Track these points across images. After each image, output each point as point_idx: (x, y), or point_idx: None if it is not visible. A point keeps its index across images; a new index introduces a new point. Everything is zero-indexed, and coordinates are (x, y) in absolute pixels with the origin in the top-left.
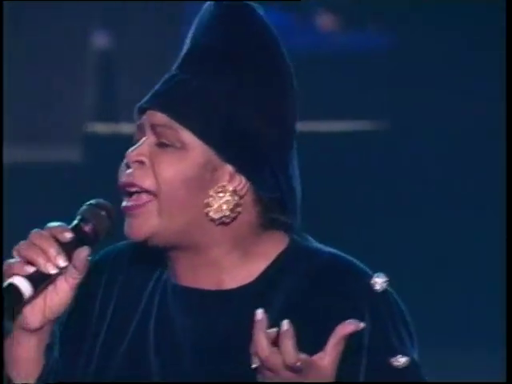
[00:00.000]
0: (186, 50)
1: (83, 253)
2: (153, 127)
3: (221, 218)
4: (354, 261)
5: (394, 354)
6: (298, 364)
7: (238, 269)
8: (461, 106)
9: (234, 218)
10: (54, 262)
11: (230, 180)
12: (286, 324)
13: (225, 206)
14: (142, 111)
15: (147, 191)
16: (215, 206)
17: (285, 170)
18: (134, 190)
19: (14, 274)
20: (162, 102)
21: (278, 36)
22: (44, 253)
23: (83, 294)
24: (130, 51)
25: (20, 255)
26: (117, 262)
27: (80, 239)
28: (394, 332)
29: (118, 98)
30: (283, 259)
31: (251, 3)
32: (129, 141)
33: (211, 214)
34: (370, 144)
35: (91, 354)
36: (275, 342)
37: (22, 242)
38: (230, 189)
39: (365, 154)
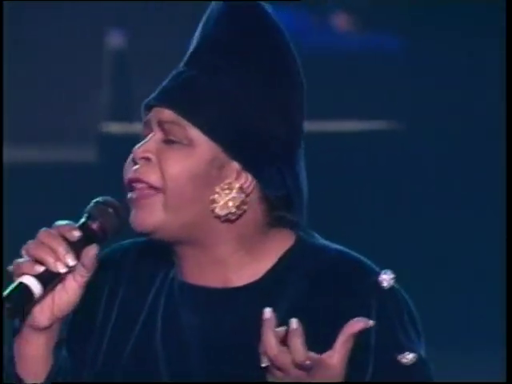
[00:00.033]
0: (193, 46)
1: (91, 251)
2: (160, 124)
3: (226, 214)
4: (361, 258)
5: (402, 351)
6: (307, 363)
7: (244, 267)
8: (474, 107)
9: (240, 216)
10: (63, 260)
11: (237, 177)
12: (294, 322)
13: (231, 203)
14: (149, 108)
15: (153, 187)
16: (221, 202)
17: (292, 169)
18: (140, 186)
19: (24, 274)
20: (169, 99)
21: (286, 34)
22: (53, 252)
23: (89, 291)
24: (145, 51)
25: (29, 254)
26: (123, 260)
27: (88, 237)
28: (401, 329)
29: (132, 97)
30: (290, 257)
31: (260, 2)
32: None
33: (217, 210)
34: (383, 144)
35: (97, 352)
36: (283, 341)
37: (30, 241)
38: (237, 186)
39: (378, 154)
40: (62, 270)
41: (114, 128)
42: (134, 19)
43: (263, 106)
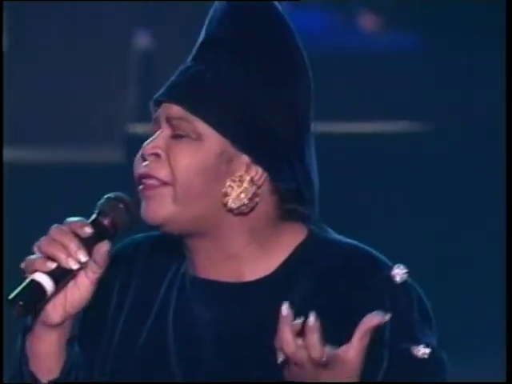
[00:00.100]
0: (200, 40)
1: (103, 247)
2: (168, 120)
3: (239, 207)
4: (374, 252)
5: (416, 344)
6: (324, 359)
7: (257, 261)
8: (500, 107)
9: (252, 209)
10: (75, 257)
11: (247, 170)
12: (312, 318)
13: (243, 195)
14: (158, 104)
15: (163, 182)
16: (233, 195)
17: (301, 161)
18: (150, 182)
19: (36, 271)
20: (176, 94)
21: (293, 30)
22: (65, 248)
23: (101, 286)
24: (171, 52)
25: (41, 251)
26: (135, 254)
27: (99, 233)
28: (415, 323)
29: None
30: (302, 251)
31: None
32: None
33: (230, 203)
34: (408, 145)
35: (109, 347)
36: (299, 334)
37: (42, 238)
38: (248, 178)
39: (403, 156)
40: (74, 266)
41: (141, 129)
42: (161, 20)
43: (270, 99)
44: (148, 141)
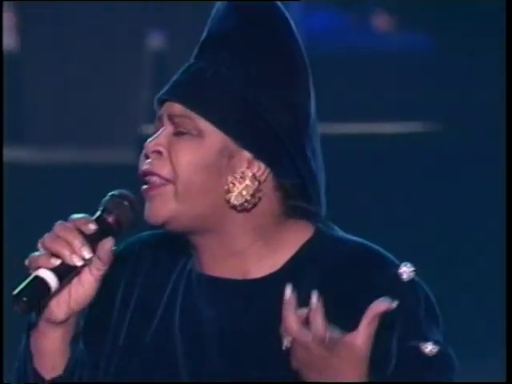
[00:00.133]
0: (202, 39)
1: (107, 244)
2: (170, 118)
3: (242, 203)
4: (381, 250)
5: (425, 342)
6: (328, 337)
7: (262, 258)
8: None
9: (255, 205)
10: (79, 253)
11: (249, 166)
12: (315, 298)
13: (245, 192)
14: (161, 102)
15: (166, 179)
16: (235, 191)
17: (303, 158)
18: (153, 179)
19: (40, 267)
20: (178, 93)
21: (292, 28)
22: (69, 245)
23: (106, 284)
24: (185, 52)
25: (45, 248)
26: (141, 252)
27: (103, 230)
28: (422, 320)
29: None
30: (308, 248)
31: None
32: None
33: (232, 200)
34: (422, 146)
35: (114, 345)
36: (305, 323)
37: (46, 235)
38: (250, 174)
39: (415, 156)
40: (78, 262)
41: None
42: (174, 21)
43: (269, 98)
44: (151, 138)
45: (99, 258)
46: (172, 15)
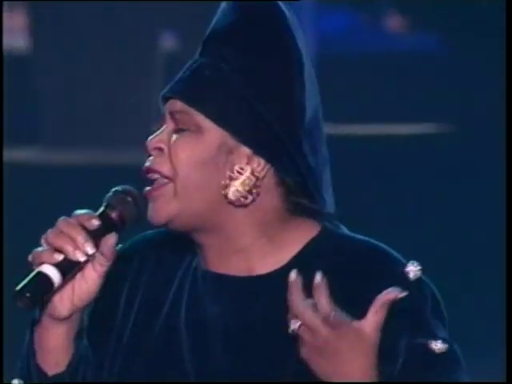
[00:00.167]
0: (205, 36)
1: (110, 240)
2: (171, 114)
3: (238, 198)
4: (388, 249)
5: (434, 339)
6: (333, 315)
7: (267, 255)
8: None
9: (254, 200)
10: (82, 249)
11: (248, 162)
12: (318, 277)
13: (241, 187)
14: (166, 100)
15: (166, 176)
16: (231, 187)
17: (301, 155)
18: (155, 176)
19: (43, 263)
20: (178, 89)
21: (291, 28)
22: (72, 240)
23: (110, 283)
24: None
25: (48, 243)
26: (147, 249)
27: (107, 226)
28: (430, 319)
29: None
30: (314, 245)
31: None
32: None
33: (229, 195)
34: (434, 146)
35: (119, 345)
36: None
37: (49, 230)
38: (248, 170)
39: (428, 157)
40: (82, 258)
41: None
42: (187, 21)
43: (267, 96)
44: (152, 136)
45: (102, 254)
46: (184, 16)
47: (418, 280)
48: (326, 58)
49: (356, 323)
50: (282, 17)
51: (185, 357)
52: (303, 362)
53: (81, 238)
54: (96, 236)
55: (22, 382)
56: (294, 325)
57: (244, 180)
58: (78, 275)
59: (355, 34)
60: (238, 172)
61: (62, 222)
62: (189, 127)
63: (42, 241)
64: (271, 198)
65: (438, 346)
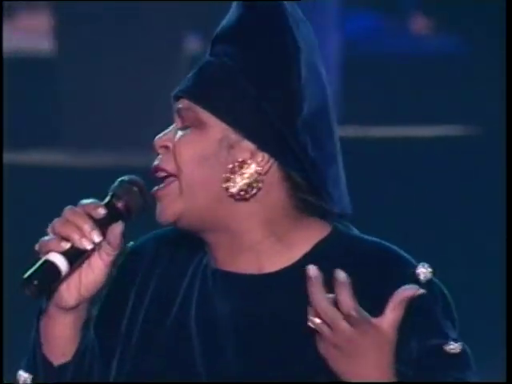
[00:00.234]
0: (214, 34)
1: (117, 229)
2: (178, 112)
3: (238, 192)
4: (398, 250)
5: (446, 340)
6: (354, 314)
7: (276, 254)
8: None
9: (257, 195)
10: (88, 237)
11: (252, 157)
12: (341, 275)
13: (242, 181)
14: (176, 100)
15: (171, 174)
16: (232, 180)
17: (305, 153)
18: (162, 174)
19: (50, 251)
20: (184, 88)
21: (293, 28)
22: (79, 229)
23: (120, 279)
24: None
25: (54, 232)
26: (158, 248)
27: (113, 216)
28: (441, 320)
29: None
30: (325, 245)
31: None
32: None
33: (230, 188)
34: (460, 149)
35: (128, 343)
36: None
37: (56, 220)
38: (251, 164)
39: (455, 159)
40: (88, 246)
41: None
42: (212, 23)
43: (269, 94)
44: (160, 135)
45: (109, 243)
46: (209, 18)
47: (429, 281)
48: (350, 60)
49: (375, 320)
50: (286, 16)
51: (195, 356)
52: (315, 359)
53: (87, 226)
54: (102, 225)
55: (27, 373)
56: (314, 321)
57: (245, 174)
58: (85, 265)
59: (380, 36)
60: (239, 165)
61: (68, 211)
62: (193, 123)
63: (49, 230)
64: (277, 194)
65: (451, 346)
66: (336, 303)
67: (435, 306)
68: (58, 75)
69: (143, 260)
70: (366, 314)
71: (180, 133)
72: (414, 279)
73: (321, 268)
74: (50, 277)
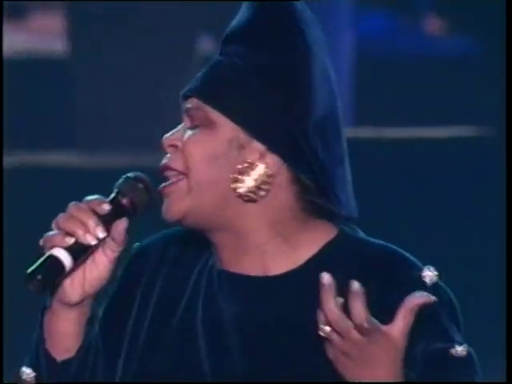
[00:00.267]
0: (224, 34)
1: (121, 225)
2: (187, 112)
3: (247, 193)
4: (405, 253)
5: (453, 344)
6: (366, 325)
7: (282, 255)
8: None
9: (265, 197)
10: (93, 232)
11: (261, 157)
12: (356, 285)
13: (251, 182)
14: (185, 99)
15: (180, 172)
16: (240, 181)
17: (315, 155)
18: (170, 173)
19: (54, 246)
20: (194, 87)
21: (304, 29)
22: (83, 224)
23: (127, 280)
24: None
25: (59, 227)
26: (165, 248)
27: (117, 212)
28: (447, 323)
29: None
30: (331, 248)
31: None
32: None
33: (238, 189)
34: (474, 149)
35: (134, 342)
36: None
37: (60, 215)
38: (260, 165)
39: (470, 160)
40: (92, 241)
41: None
42: (225, 24)
43: (278, 88)
44: (168, 133)
45: (113, 239)
46: (222, 19)
47: (435, 285)
48: (364, 60)
49: (385, 328)
50: (296, 16)
51: (201, 356)
52: (320, 361)
53: (92, 221)
54: (107, 221)
55: (30, 369)
56: (325, 329)
57: (254, 175)
58: (89, 260)
59: (393, 35)
60: (248, 166)
61: (72, 206)
62: (202, 123)
63: (53, 225)
64: (285, 196)
65: (458, 350)
66: (344, 308)
67: (441, 309)
68: (71, 76)
69: (149, 261)
70: (376, 322)
71: (189, 132)
72: (420, 282)
73: (327, 271)
74: (54, 272)
